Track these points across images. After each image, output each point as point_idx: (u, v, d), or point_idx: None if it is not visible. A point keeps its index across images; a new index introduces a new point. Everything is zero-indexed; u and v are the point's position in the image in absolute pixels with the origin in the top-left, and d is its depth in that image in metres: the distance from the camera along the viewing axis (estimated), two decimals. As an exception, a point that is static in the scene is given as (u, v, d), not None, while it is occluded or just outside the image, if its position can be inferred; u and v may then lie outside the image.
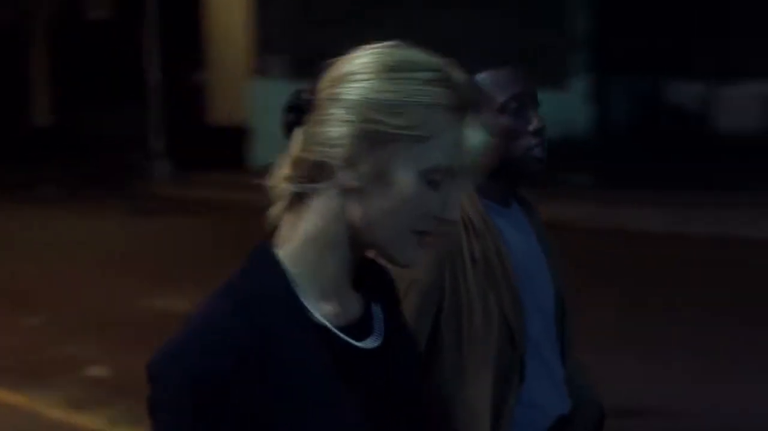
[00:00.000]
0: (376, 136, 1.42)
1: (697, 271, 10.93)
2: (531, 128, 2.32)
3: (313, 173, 1.45)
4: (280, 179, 1.48)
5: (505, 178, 2.36)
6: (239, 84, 19.89)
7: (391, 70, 1.44)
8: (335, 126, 1.43)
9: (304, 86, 1.49)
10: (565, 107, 21.03)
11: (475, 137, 1.45)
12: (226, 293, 1.43)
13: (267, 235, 1.51)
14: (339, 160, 1.43)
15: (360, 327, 1.51)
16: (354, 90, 1.43)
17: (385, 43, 1.48)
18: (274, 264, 1.45)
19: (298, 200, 1.47)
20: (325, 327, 1.45)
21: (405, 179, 1.43)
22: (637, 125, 23.58)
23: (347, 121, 1.42)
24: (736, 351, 7.61)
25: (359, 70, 1.44)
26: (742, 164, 18.39)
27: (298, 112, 1.47)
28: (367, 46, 1.48)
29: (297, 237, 1.47)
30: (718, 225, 14.09)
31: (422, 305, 2.19)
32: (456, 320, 2.21)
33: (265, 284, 1.44)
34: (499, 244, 2.31)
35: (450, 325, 2.21)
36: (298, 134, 1.47)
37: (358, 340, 1.49)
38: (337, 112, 1.43)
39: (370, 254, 1.53)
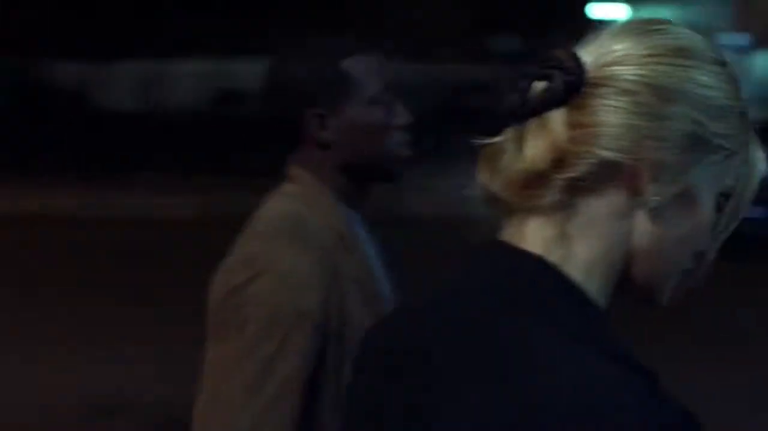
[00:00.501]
0: (696, 143, 1.11)
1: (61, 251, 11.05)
2: (400, 122, 2.11)
3: (597, 176, 1.09)
4: (535, 174, 1.09)
5: (363, 178, 2.12)
6: None
7: (711, 62, 1.13)
8: (656, 122, 1.09)
9: (551, 55, 1.11)
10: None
11: (761, 157, 1.17)
12: (588, 344, 1.06)
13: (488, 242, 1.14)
14: (649, 166, 1.09)
15: None
16: (668, 79, 1.10)
17: (662, 20, 1.16)
18: (584, 295, 1.10)
19: (562, 203, 1.10)
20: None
21: (707, 200, 1.14)
22: (17, 106, 22.53)
23: (666, 118, 1.10)
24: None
25: (672, 53, 1.12)
26: (122, 143, 18.51)
27: (565, 91, 1.09)
28: (646, 20, 1.16)
29: (579, 259, 1.11)
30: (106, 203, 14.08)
31: (312, 341, 1.94)
32: (339, 352, 1.97)
33: (607, 327, 1.10)
34: (366, 259, 2.09)
35: (334, 359, 1.97)
36: (560, 119, 1.09)
37: None
38: (659, 103, 1.09)
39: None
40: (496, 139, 1.12)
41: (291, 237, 2.01)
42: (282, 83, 2.11)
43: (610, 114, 1.10)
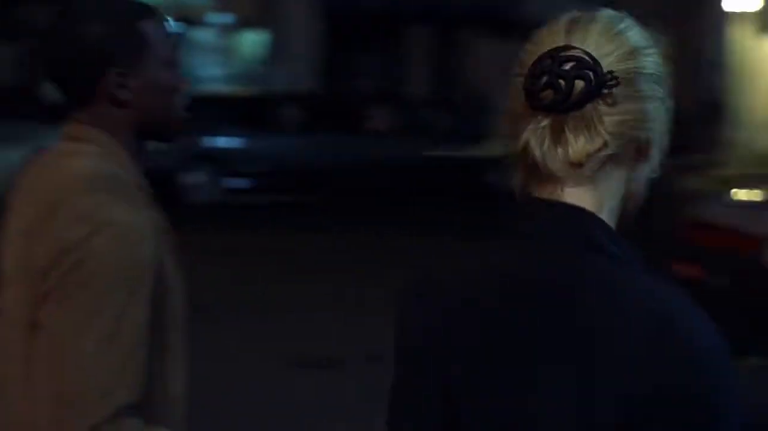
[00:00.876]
0: (667, 113, 1.43)
1: None
2: (183, 85, 2.18)
3: (626, 150, 1.40)
4: (585, 154, 1.37)
5: (148, 137, 2.16)
6: None
7: (655, 44, 1.43)
8: (652, 103, 1.41)
9: (573, 57, 1.37)
10: None
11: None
12: (674, 286, 1.39)
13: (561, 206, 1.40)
14: (656, 138, 1.42)
15: None
16: (652, 66, 1.41)
17: (621, 15, 1.44)
18: (620, 236, 1.43)
19: (598, 171, 1.40)
20: None
21: (658, 153, 1.44)
22: None
23: (661, 98, 1.41)
24: None
25: (646, 44, 1.42)
26: None
27: (599, 88, 1.36)
28: (615, 17, 1.42)
29: (607, 209, 1.42)
30: None
31: (152, 291, 1.98)
32: (163, 299, 2.02)
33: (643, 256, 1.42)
34: (160, 213, 2.10)
35: (160, 307, 2.01)
36: (596, 110, 1.37)
37: None
38: (651, 88, 1.40)
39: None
40: (541, 124, 1.38)
41: (115, 192, 2.02)
42: (74, 42, 2.08)
43: (630, 102, 1.38)
